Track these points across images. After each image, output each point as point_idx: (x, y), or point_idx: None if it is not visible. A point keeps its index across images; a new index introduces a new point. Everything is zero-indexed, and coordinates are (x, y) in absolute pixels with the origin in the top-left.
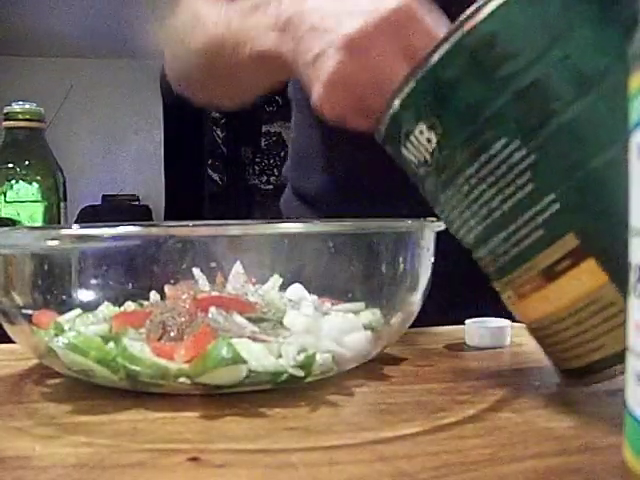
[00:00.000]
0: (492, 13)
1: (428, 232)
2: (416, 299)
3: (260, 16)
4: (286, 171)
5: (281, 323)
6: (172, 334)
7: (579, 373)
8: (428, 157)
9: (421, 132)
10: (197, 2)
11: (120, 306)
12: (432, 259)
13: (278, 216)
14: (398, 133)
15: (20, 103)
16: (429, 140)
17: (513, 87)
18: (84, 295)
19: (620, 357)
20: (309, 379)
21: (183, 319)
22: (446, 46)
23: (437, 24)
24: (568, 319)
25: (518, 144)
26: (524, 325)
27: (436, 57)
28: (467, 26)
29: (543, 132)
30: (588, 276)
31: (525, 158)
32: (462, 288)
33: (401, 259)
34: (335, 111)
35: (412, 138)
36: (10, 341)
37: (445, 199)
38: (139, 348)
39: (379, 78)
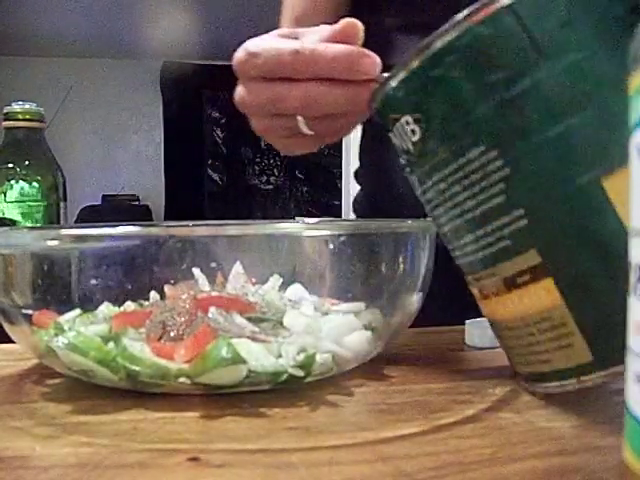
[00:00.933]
0: (489, 18)
1: (428, 232)
2: (416, 299)
3: None
4: (359, 176)
5: (281, 323)
6: (172, 334)
7: (530, 378)
8: (411, 147)
9: (407, 122)
10: None
11: (120, 306)
12: (432, 259)
13: (278, 216)
14: (387, 117)
15: (20, 103)
16: (413, 132)
17: (498, 96)
18: (84, 295)
19: (570, 373)
20: (309, 379)
21: (183, 319)
22: (439, 44)
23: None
24: (523, 329)
25: (495, 154)
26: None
27: (428, 53)
28: (461, 27)
29: (521, 147)
30: (544, 294)
31: (501, 169)
32: (462, 288)
33: (401, 259)
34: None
35: (398, 126)
36: (10, 341)
37: (424, 189)
38: (139, 348)
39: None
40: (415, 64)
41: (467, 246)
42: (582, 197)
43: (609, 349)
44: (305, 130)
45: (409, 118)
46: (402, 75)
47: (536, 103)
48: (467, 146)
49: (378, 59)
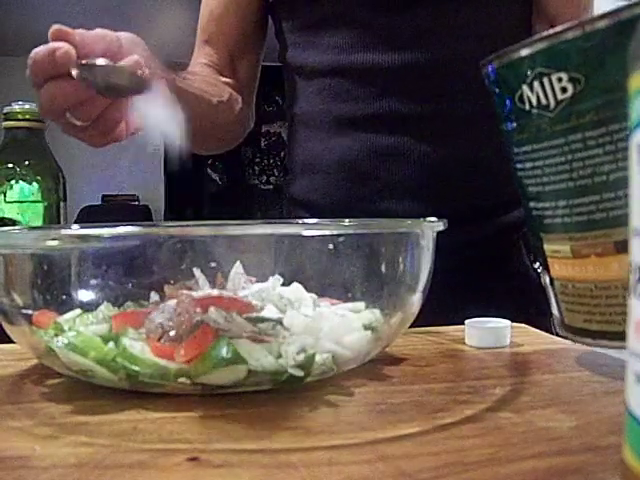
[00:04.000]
0: None
1: (428, 232)
2: (416, 299)
3: None
4: (285, 182)
5: (281, 323)
6: (172, 334)
7: (584, 333)
8: (552, 103)
9: (559, 79)
10: None
11: (120, 306)
12: (432, 259)
13: (278, 216)
14: (527, 71)
15: (20, 103)
16: (564, 89)
17: None
18: (84, 295)
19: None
20: (309, 379)
21: (183, 319)
22: (616, 18)
23: None
24: (617, 289)
25: None
26: (550, 283)
27: (619, 18)
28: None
29: None
30: None
31: None
32: (462, 288)
33: (401, 259)
34: None
35: (545, 80)
36: (10, 341)
37: (547, 144)
38: (139, 348)
39: None
40: (601, 24)
41: (584, 206)
42: None
43: None
44: (74, 121)
45: (564, 75)
46: (577, 32)
47: None
48: (621, 116)
49: (67, 49)
